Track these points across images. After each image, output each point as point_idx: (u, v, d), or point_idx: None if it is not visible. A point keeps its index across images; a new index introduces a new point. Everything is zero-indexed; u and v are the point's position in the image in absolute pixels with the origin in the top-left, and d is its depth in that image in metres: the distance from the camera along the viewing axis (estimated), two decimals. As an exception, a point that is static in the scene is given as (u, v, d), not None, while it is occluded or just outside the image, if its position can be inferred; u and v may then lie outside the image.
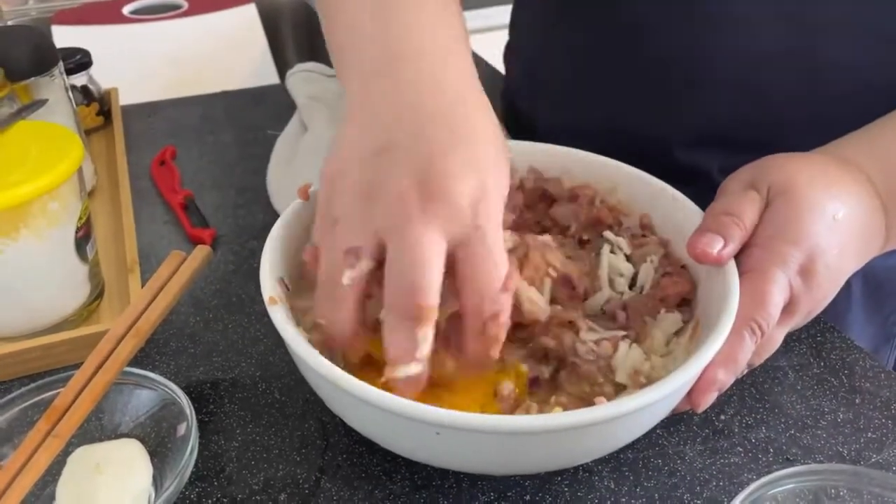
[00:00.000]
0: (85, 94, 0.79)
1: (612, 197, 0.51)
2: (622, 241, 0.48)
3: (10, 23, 1.26)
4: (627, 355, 0.41)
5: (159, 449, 0.43)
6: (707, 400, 0.39)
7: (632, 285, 0.47)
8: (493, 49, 0.85)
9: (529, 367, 0.42)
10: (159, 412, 0.44)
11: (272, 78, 1.24)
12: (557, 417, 0.34)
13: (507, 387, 0.40)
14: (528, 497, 0.42)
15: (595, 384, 0.40)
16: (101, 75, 0.81)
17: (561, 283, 0.45)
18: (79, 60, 0.78)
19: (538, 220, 0.51)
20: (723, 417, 0.47)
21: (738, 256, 0.42)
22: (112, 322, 0.47)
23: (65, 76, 0.66)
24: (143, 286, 0.48)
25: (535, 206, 0.52)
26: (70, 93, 0.67)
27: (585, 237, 0.50)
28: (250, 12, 1.40)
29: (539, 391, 0.42)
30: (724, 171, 0.48)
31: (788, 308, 0.41)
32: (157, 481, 0.41)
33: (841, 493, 0.38)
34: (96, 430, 0.43)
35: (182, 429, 0.42)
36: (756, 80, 0.55)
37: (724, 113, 0.57)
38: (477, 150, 0.38)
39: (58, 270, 0.51)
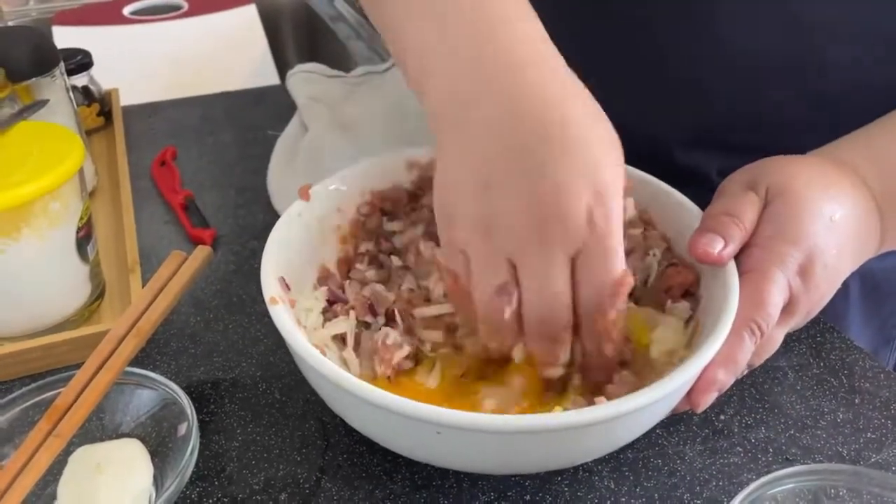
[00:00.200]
0: (86, 94, 0.79)
1: None
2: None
3: (10, 23, 1.26)
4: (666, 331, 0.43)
5: (160, 449, 0.43)
6: (707, 400, 0.39)
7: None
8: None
9: None
10: (160, 412, 0.44)
11: (272, 78, 1.24)
12: (557, 417, 0.34)
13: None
14: (528, 497, 0.42)
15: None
16: (101, 76, 0.82)
17: None
18: (79, 61, 0.78)
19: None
20: (722, 417, 0.47)
21: (738, 257, 0.42)
22: (113, 322, 0.47)
23: (66, 77, 0.66)
24: (143, 286, 0.48)
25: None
26: (71, 93, 0.67)
27: None
28: (250, 13, 1.40)
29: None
30: (723, 173, 0.48)
31: (788, 308, 0.42)
32: (158, 481, 0.41)
33: (840, 493, 0.38)
34: (97, 429, 0.44)
35: (183, 429, 0.42)
36: (755, 80, 0.55)
37: (723, 113, 0.57)
38: (584, 153, 0.36)
39: (59, 270, 0.51)
